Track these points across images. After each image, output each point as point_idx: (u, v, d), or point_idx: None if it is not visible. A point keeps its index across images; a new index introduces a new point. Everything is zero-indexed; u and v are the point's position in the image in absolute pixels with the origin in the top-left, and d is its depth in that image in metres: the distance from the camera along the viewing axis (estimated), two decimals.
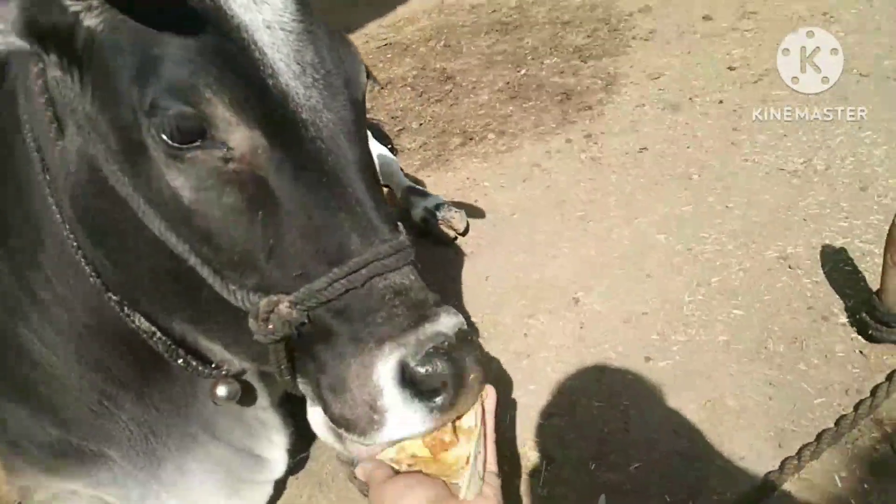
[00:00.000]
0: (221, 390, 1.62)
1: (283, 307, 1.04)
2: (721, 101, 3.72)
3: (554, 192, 3.34)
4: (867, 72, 3.61)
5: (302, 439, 2.12)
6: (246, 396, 1.72)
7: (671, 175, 3.25)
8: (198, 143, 1.05)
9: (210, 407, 1.73)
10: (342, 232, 1.07)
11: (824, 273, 2.52)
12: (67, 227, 1.32)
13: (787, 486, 1.89)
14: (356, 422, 1.07)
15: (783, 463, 1.92)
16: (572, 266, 2.85)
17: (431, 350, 1.02)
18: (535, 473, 2.08)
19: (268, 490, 2.04)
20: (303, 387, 1.20)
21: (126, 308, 1.41)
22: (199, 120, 1.03)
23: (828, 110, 3.36)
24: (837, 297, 2.42)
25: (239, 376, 1.68)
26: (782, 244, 2.69)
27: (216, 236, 1.10)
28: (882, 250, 2.17)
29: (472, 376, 1.07)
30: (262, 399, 1.83)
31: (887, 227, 2.12)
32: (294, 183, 1.06)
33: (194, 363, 1.55)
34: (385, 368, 1.02)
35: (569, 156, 3.60)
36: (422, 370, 1.02)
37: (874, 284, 2.30)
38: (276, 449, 1.96)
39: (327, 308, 1.07)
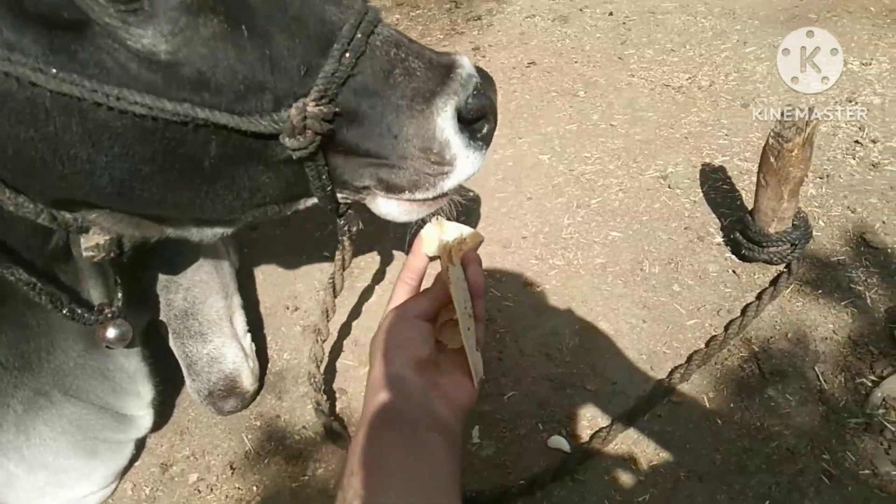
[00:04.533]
0: (111, 332, 1.53)
1: (311, 107, 1.06)
2: (611, 13, 3.60)
3: None
4: None
5: (165, 390, 1.98)
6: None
7: (557, 91, 3.13)
8: None
9: (70, 362, 1.61)
10: (318, 9, 1.07)
11: (702, 192, 2.50)
12: None
13: (657, 409, 1.88)
14: (425, 180, 1.19)
15: (654, 386, 1.91)
16: None
17: (473, 91, 1.15)
18: None
19: (129, 449, 1.91)
20: (343, 196, 1.28)
21: (3, 261, 1.26)
22: None
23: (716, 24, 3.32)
24: (714, 216, 2.40)
25: (123, 316, 1.57)
26: (663, 163, 2.64)
27: (213, 75, 1.01)
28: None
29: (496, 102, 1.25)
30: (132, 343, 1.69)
31: None
32: None
33: (79, 311, 1.44)
34: (446, 121, 1.12)
35: None
36: (472, 108, 1.15)
37: (750, 204, 2.28)
38: (142, 403, 1.84)
39: (348, 89, 1.09)
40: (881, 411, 1.81)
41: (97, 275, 1.55)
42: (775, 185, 2.00)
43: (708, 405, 1.88)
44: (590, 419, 1.90)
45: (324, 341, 2.00)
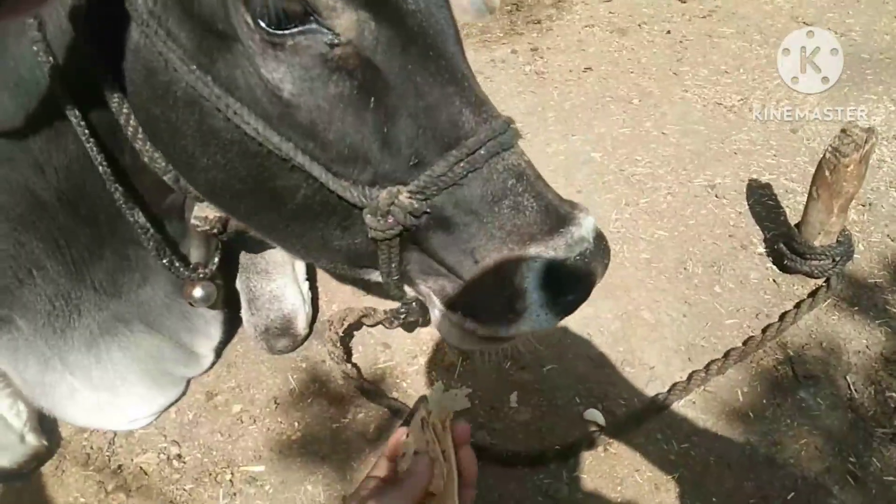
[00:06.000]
0: (198, 292, 1.60)
1: (404, 197, 0.99)
2: (668, 32, 3.69)
3: (495, 101, 3.09)
4: (811, 21, 3.65)
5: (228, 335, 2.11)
6: None
7: (612, 97, 3.22)
8: (300, 29, 0.93)
9: (158, 300, 1.70)
10: (455, 110, 1.00)
11: (748, 205, 2.57)
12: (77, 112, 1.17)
13: (692, 396, 1.95)
14: (489, 317, 1.06)
15: (691, 375, 1.97)
16: None
17: (577, 256, 0.99)
18: (450, 368, 2.06)
19: (185, 385, 2.03)
20: (415, 285, 1.15)
21: (129, 202, 1.32)
22: (302, 4, 0.91)
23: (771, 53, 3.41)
24: (758, 228, 2.48)
25: (214, 279, 1.64)
26: (711, 174, 2.72)
27: (324, 130, 1.00)
28: (805, 189, 2.22)
29: (599, 279, 1.06)
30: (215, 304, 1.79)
31: (812, 169, 2.16)
32: (403, 62, 0.97)
33: (177, 264, 1.50)
34: (531, 271, 0.99)
35: (513, 67, 3.51)
36: (566, 273, 0.99)
37: (794, 220, 2.36)
38: (211, 345, 1.96)
39: (448, 195, 1.00)
40: None
41: (202, 237, 1.60)
42: (827, 199, 2.08)
43: (742, 399, 1.95)
44: (626, 398, 1.96)
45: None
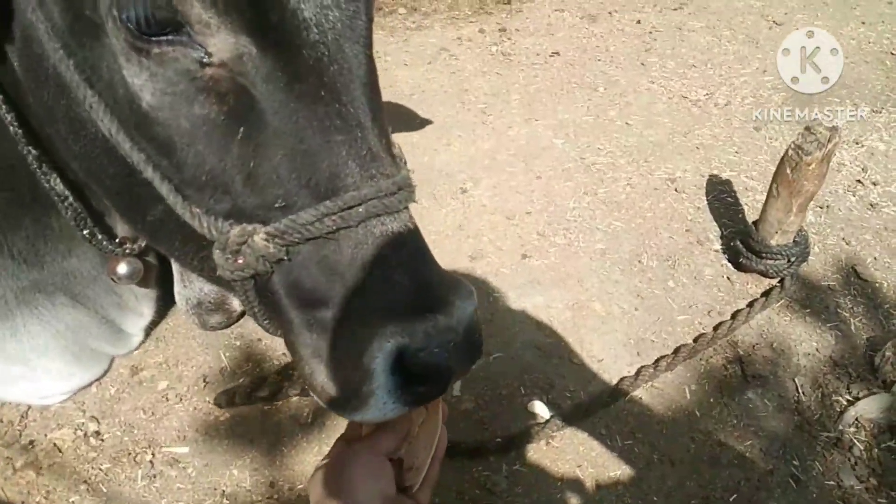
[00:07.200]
0: (123, 268, 1.44)
1: (259, 239, 0.87)
2: (639, 22, 3.64)
3: (458, 80, 3.15)
4: (781, 21, 3.63)
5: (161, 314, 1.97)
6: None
7: (578, 84, 3.15)
8: (168, 38, 0.81)
9: (84, 271, 1.55)
10: (338, 158, 0.88)
11: (707, 200, 2.53)
12: None
13: (640, 392, 1.90)
14: (334, 397, 0.92)
15: (639, 370, 1.92)
16: (465, 156, 2.71)
17: (437, 347, 0.86)
18: None
19: (108, 363, 1.87)
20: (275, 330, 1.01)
21: (45, 166, 1.19)
22: (172, 13, 0.79)
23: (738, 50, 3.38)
24: (715, 224, 2.44)
25: (143, 255, 1.49)
26: (672, 167, 2.67)
27: (180, 151, 0.89)
28: (765, 188, 2.18)
29: (462, 373, 0.90)
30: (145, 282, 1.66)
31: (773, 168, 2.12)
32: (286, 96, 0.85)
33: (100, 237, 1.36)
34: (382, 354, 0.86)
35: (479, 46, 3.41)
36: (420, 364, 0.85)
37: (752, 218, 2.32)
38: (141, 323, 1.76)
39: (312, 248, 0.89)
40: (852, 430, 1.85)
41: None
42: (786, 197, 2.04)
43: (689, 397, 1.90)
44: (571, 391, 1.90)
45: None
